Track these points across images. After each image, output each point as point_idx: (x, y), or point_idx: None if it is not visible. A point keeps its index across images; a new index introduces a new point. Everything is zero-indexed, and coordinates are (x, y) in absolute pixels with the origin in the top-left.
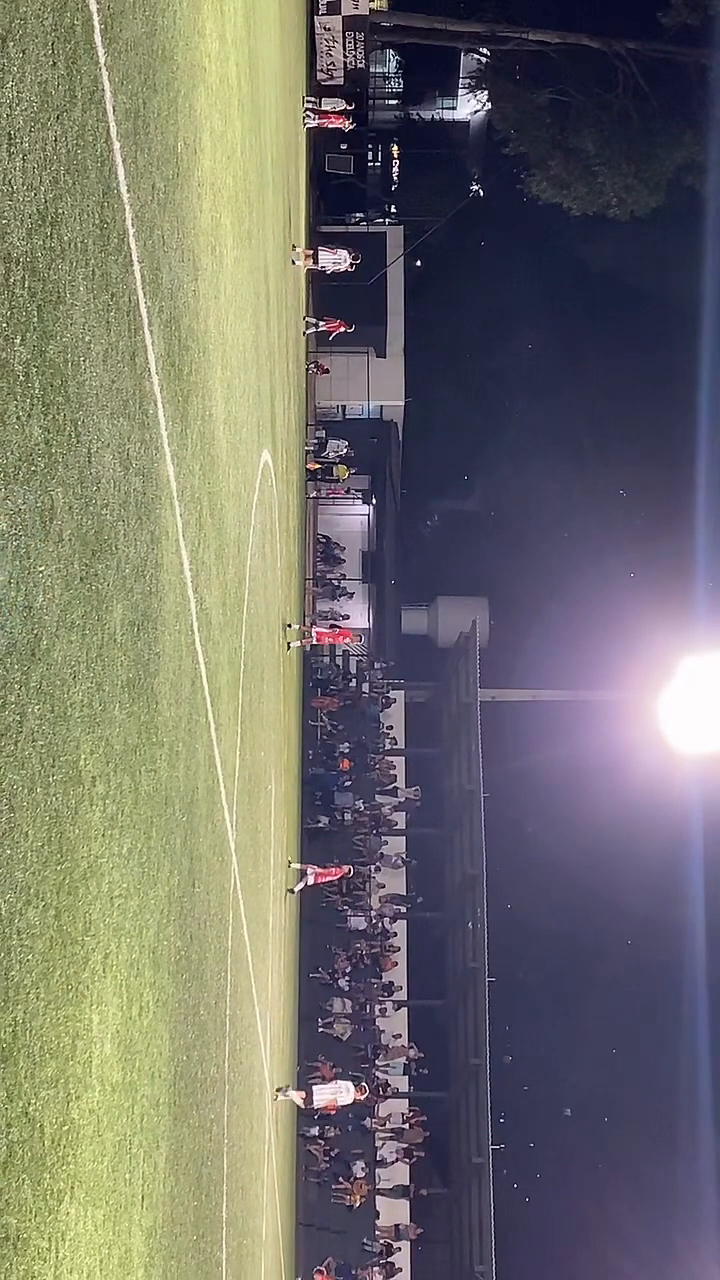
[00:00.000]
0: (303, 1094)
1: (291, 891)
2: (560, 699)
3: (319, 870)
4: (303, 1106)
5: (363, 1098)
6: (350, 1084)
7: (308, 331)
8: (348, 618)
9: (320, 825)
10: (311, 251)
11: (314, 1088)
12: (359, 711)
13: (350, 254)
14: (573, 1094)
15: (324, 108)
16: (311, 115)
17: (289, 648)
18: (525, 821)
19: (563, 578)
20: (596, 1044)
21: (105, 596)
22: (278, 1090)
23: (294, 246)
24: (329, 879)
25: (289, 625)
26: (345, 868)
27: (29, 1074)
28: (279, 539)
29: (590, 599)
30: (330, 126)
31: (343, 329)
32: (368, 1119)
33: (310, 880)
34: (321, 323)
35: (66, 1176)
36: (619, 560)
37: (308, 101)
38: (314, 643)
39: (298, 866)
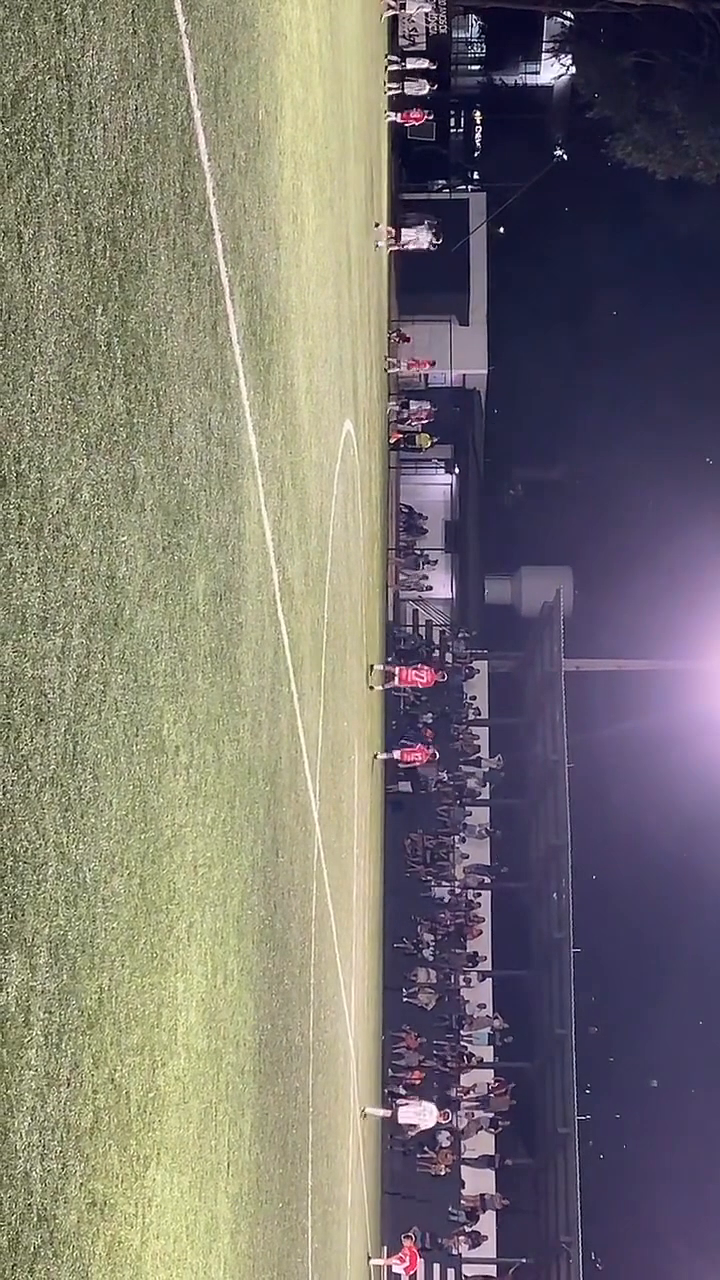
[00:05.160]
0: (388, 1112)
1: (376, 756)
2: (645, 668)
3: (406, 749)
4: (388, 1111)
5: (445, 1122)
6: (433, 1107)
7: (390, 369)
8: (431, 588)
9: (402, 791)
10: (394, 230)
11: (399, 1107)
12: (442, 686)
13: (432, 235)
14: (659, 1065)
15: (406, 85)
16: (395, 75)
17: (371, 686)
18: (611, 791)
19: (647, 546)
20: (683, 1015)
21: (188, 566)
22: (363, 1112)
23: (376, 224)
24: (414, 759)
25: (372, 667)
26: (431, 750)
27: (115, 1041)
28: (361, 509)
29: (675, 567)
30: (410, 124)
31: (428, 367)
32: (453, 1089)
33: (398, 756)
34: (404, 364)
35: (153, 1143)
36: (705, 528)
37: (390, 61)
38: (396, 684)
39: (380, 668)
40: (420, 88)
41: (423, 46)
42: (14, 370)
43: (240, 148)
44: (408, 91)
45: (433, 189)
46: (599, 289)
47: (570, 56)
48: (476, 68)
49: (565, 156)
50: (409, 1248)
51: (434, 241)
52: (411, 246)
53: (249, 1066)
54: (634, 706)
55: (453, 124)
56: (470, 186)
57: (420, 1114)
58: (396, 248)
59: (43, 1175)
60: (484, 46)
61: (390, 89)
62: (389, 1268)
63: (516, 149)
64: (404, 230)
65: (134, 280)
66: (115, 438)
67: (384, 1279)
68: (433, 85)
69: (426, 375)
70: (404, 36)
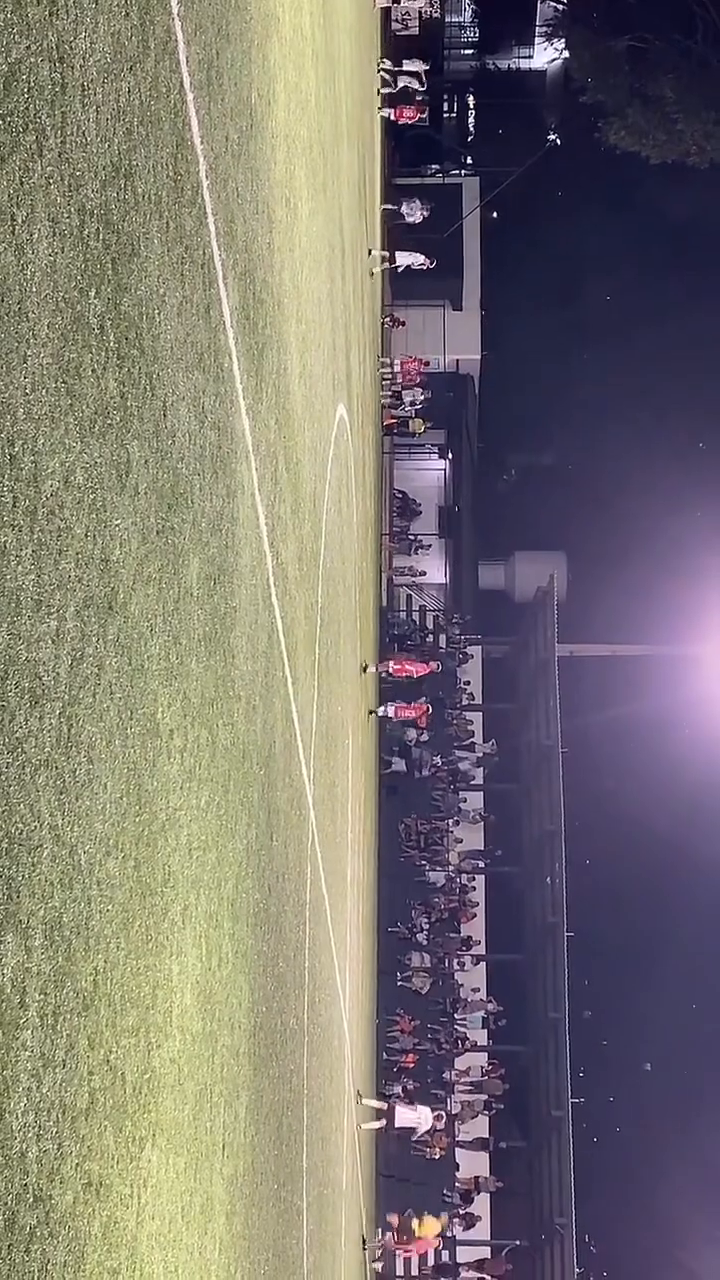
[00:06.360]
0: (383, 1106)
1: (373, 712)
2: (640, 653)
3: (401, 706)
4: (381, 1121)
5: (440, 1126)
6: (428, 1111)
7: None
8: (425, 574)
9: (395, 769)
10: (389, 254)
11: (397, 1108)
12: (437, 673)
13: (427, 257)
14: (652, 1049)
15: (399, 82)
16: (389, 80)
17: (364, 669)
18: (605, 776)
19: (642, 531)
20: (676, 999)
21: (181, 550)
22: (358, 1093)
23: (370, 251)
24: (409, 714)
25: (365, 667)
26: (425, 705)
27: (110, 1022)
28: (355, 494)
29: (670, 552)
30: (403, 122)
31: (422, 367)
32: (447, 1072)
33: (392, 713)
34: (398, 363)
35: (148, 1124)
36: (699, 513)
37: (382, 68)
38: (390, 673)
39: (373, 669)
40: (413, 81)
41: (416, 31)
42: (7, 353)
43: (233, 131)
44: (401, 84)
45: (426, 173)
46: (593, 273)
47: (563, 40)
48: (469, 52)
49: (558, 141)
50: (420, 1237)
51: (428, 262)
52: (412, 265)
53: (244, 1049)
54: (628, 692)
55: (446, 108)
56: (464, 171)
57: (418, 1119)
58: (391, 266)
59: (39, 1156)
60: (477, 30)
61: (384, 88)
62: (385, 1245)
63: (510, 133)
64: (399, 254)
65: (127, 263)
66: (109, 421)
67: (379, 1259)
68: (424, 90)
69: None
70: (397, 21)
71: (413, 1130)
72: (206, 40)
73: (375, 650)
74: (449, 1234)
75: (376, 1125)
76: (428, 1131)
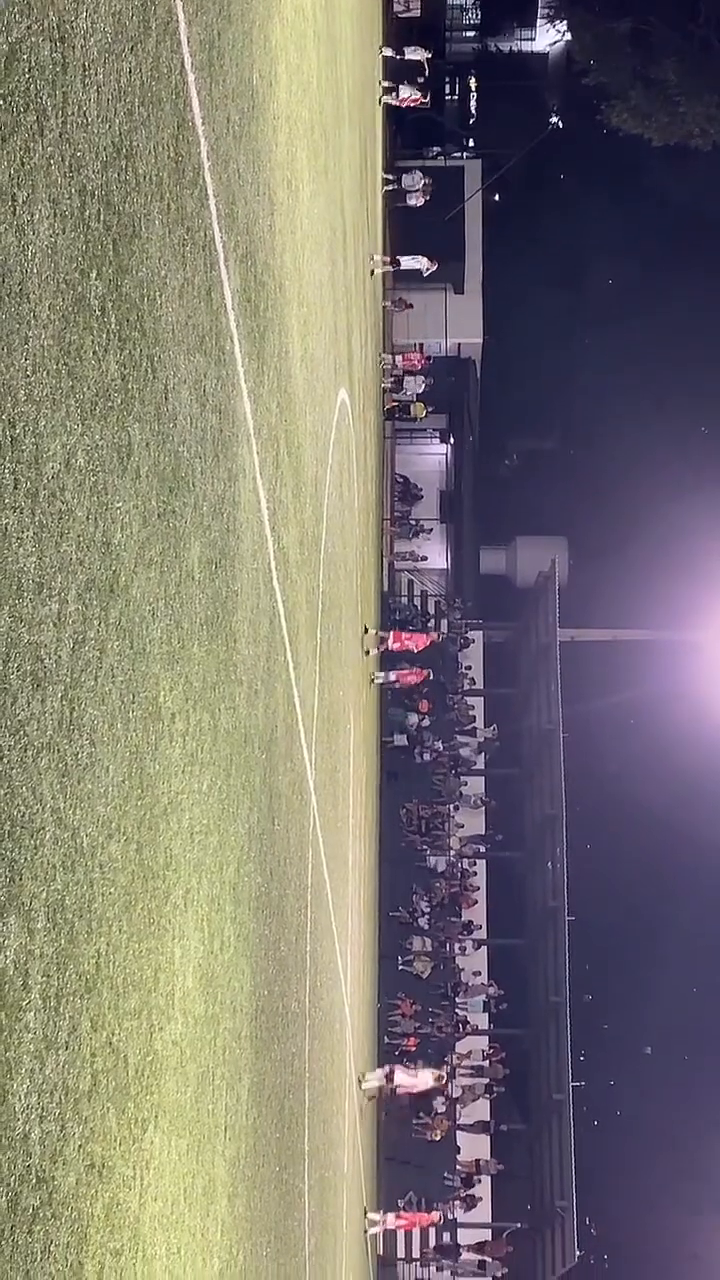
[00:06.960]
0: (384, 1072)
1: (374, 682)
2: (641, 638)
3: (402, 672)
4: (384, 1086)
5: (440, 1084)
6: (430, 1073)
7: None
8: (426, 558)
9: (396, 744)
10: (391, 258)
11: (397, 1070)
12: (438, 651)
13: (429, 260)
14: (653, 1032)
15: (402, 94)
16: (391, 88)
17: (366, 651)
18: (606, 761)
19: (643, 516)
20: (677, 982)
21: (183, 534)
22: (361, 1076)
23: (372, 256)
24: (410, 680)
25: (366, 629)
26: (425, 671)
27: (112, 1005)
28: (356, 479)
29: (671, 537)
30: (405, 105)
31: (421, 364)
32: (448, 1055)
33: (393, 678)
34: (399, 360)
35: (150, 1106)
36: (701, 498)
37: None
38: (389, 649)
39: (375, 632)
40: (415, 92)
41: (417, 13)
42: (8, 334)
43: (234, 112)
44: (403, 93)
45: (428, 155)
46: (595, 257)
47: (565, 23)
48: (471, 34)
49: (561, 123)
50: (414, 1214)
51: (432, 266)
52: (421, 271)
53: (246, 1032)
54: (630, 676)
55: (448, 91)
56: (465, 154)
57: (416, 1081)
58: (393, 269)
59: (41, 1137)
60: (479, 13)
61: (385, 95)
62: (385, 1223)
63: (512, 116)
64: (403, 258)
65: (128, 245)
66: (110, 403)
67: (380, 1243)
68: (424, 96)
69: (422, 344)
70: (398, 2)
71: (414, 1088)
72: (208, 20)
73: (376, 634)
74: (449, 1216)
75: (377, 1085)
76: (425, 1092)
